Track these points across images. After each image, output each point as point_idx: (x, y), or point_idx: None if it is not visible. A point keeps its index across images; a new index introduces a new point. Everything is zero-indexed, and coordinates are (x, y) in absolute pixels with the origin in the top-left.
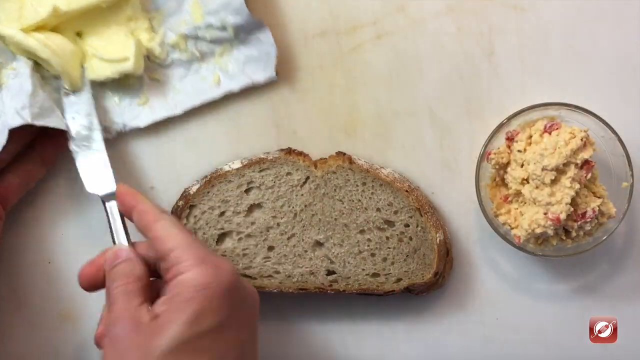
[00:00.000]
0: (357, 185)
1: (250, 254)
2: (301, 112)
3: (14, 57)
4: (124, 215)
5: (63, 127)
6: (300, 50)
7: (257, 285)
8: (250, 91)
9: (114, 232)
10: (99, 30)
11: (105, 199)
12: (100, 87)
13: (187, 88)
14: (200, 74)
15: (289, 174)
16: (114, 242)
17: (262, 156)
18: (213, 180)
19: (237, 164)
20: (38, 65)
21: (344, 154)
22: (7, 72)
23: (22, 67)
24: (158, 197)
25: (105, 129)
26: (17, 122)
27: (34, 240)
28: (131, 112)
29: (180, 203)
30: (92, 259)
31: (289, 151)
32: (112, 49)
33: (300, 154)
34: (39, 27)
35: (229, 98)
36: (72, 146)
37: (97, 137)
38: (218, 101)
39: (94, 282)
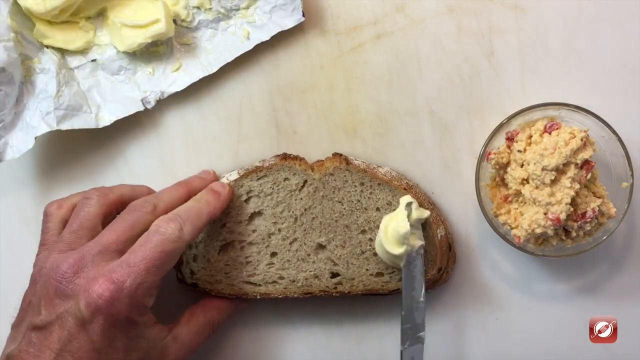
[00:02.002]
0: (355, 186)
1: (253, 261)
2: (301, 112)
3: (40, 50)
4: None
5: (92, 126)
6: (300, 51)
7: (262, 292)
8: (250, 90)
9: None
10: (123, 3)
11: None
12: (132, 60)
13: (218, 47)
14: (229, 30)
15: (286, 179)
16: None
17: (258, 164)
18: None
19: (234, 175)
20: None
21: (341, 155)
22: (33, 66)
23: (48, 62)
24: None
25: (144, 100)
26: (43, 129)
27: (34, 240)
28: (166, 80)
29: None
30: None
31: (285, 156)
32: (141, 15)
33: (296, 158)
34: (63, 10)
35: (229, 97)
36: None
37: None
38: (219, 100)
39: None
